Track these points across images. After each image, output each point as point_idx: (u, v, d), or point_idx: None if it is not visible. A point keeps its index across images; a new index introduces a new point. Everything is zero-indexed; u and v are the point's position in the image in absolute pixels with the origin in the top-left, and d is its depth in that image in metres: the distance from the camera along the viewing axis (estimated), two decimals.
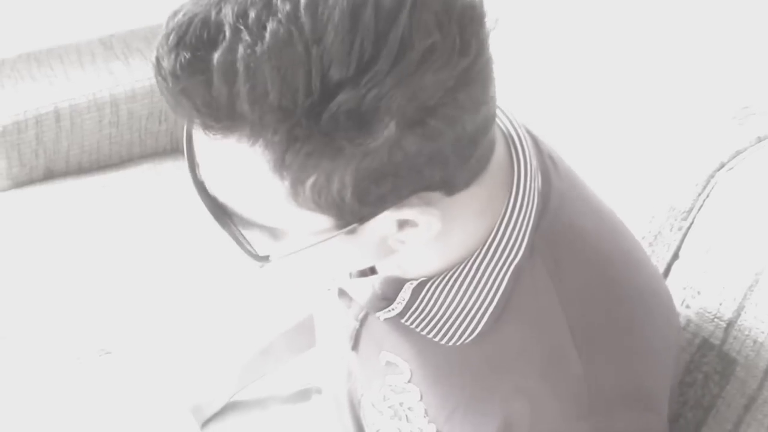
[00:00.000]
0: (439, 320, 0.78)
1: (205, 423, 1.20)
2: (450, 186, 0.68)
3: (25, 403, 1.26)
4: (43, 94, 1.74)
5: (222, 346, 1.30)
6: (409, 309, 0.79)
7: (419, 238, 0.69)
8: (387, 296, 0.81)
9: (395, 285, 0.80)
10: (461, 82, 0.61)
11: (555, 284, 0.75)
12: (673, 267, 1.01)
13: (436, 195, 0.67)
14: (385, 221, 0.67)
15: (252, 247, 0.69)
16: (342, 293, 0.90)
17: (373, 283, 0.82)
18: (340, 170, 0.61)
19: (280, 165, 0.61)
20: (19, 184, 1.76)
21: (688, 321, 0.97)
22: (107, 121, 1.76)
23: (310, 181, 0.62)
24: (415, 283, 0.78)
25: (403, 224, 0.68)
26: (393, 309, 0.81)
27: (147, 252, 1.55)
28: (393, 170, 0.62)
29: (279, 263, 0.69)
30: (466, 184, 0.69)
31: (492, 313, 0.76)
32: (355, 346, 0.91)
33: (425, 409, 0.83)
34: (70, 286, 1.50)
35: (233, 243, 0.69)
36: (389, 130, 0.59)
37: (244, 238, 0.68)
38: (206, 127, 0.61)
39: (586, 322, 0.76)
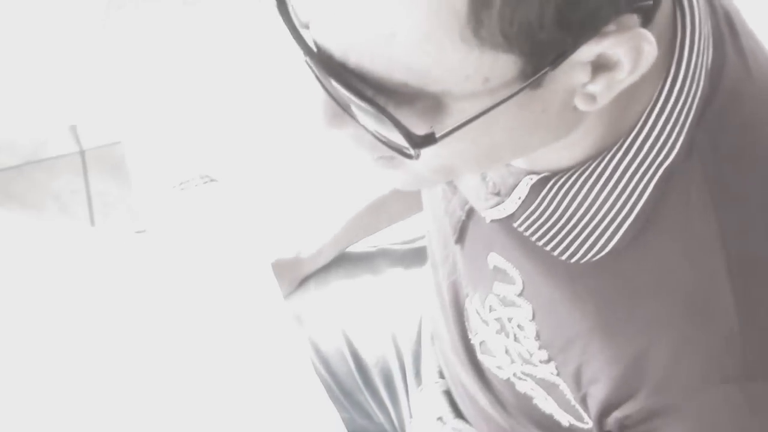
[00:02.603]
0: (562, 229, 0.63)
1: (307, 279, 1.09)
2: (645, 9, 0.50)
3: (125, 228, 1.21)
4: None
5: (329, 192, 1.18)
6: (525, 211, 0.64)
7: (616, 86, 0.52)
8: (498, 191, 0.66)
9: (510, 178, 0.64)
10: None
11: (715, 199, 0.59)
12: None
13: (634, 19, 0.50)
14: (577, 65, 0.50)
15: (407, 127, 0.50)
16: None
17: (483, 174, 0.67)
18: None
19: None
20: None
21: None
22: None
23: None
24: (536, 178, 0.63)
25: (598, 69, 0.51)
26: (504, 208, 0.66)
27: (256, 76, 1.41)
28: None
29: (434, 153, 0.51)
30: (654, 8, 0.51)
31: (631, 225, 0.60)
32: (460, 239, 0.76)
33: (537, 331, 0.69)
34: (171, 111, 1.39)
35: (364, 136, 0.52)
36: None
37: (394, 114, 0.50)
38: None
39: (749, 256, 0.59)
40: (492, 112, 0.50)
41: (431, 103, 0.50)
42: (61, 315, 0.92)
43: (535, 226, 0.64)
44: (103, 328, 0.91)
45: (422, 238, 1.22)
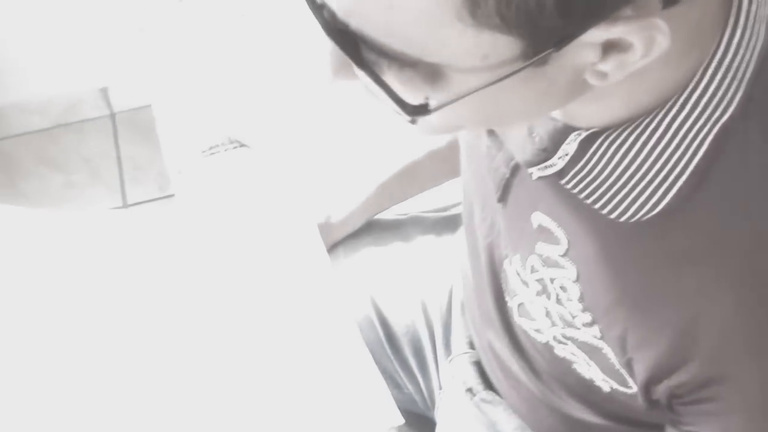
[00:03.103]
0: (611, 186, 0.61)
1: (336, 246, 1.07)
2: None
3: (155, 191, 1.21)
4: None
5: (359, 158, 1.15)
6: (573, 167, 0.62)
7: (628, 67, 0.51)
8: (545, 147, 0.63)
9: (558, 134, 0.62)
10: None
11: None
12: None
13: (654, 4, 0.48)
14: (586, 46, 0.49)
15: (400, 96, 0.51)
16: (492, 131, 0.72)
17: (529, 128, 0.64)
18: None
19: None
20: None
21: None
22: None
23: None
24: (585, 134, 0.60)
25: (608, 48, 0.50)
26: (552, 165, 0.64)
27: (287, 39, 1.38)
28: None
29: (438, 115, 0.52)
30: None
31: (684, 184, 0.58)
32: (502, 197, 0.73)
33: (581, 293, 0.67)
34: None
35: (373, 89, 0.52)
36: None
37: (387, 83, 0.51)
38: None
39: None
40: (492, 88, 0.50)
41: (432, 70, 0.50)
42: (97, 283, 0.91)
43: (584, 183, 0.62)
44: (135, 298, 0.90)
45: (454, 206, 1.20)
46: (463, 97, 0.51)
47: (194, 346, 0.87)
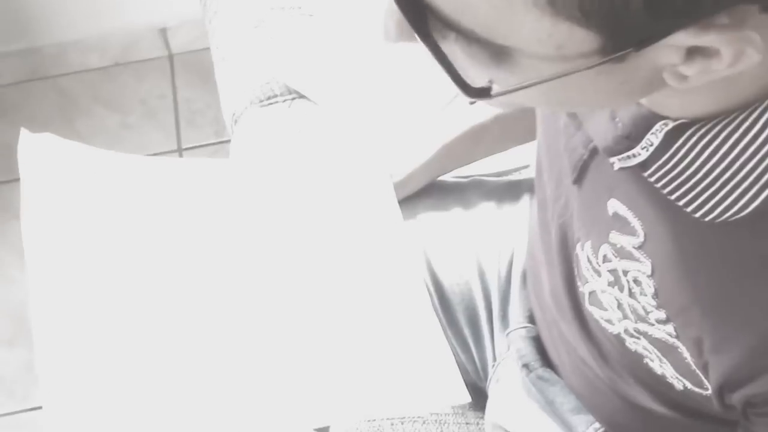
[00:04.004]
0: (698, 183, 0.57)
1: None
2: None
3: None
4: None
5: (424, 116, 1.11)
6: (658, 160, 0.58)
7: (711, 74, 0.48)
8: (629, 134, 0.59)
9: (643, 121, 0.58)
10: None
11: None
12: None
13: (752, 10, 0.44)
14: (670, 48, 0.46)
15: (462, 76, 0.49)
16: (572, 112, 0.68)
17: (612, 114, 0.60)
18: None
19: None
20: None
21: None
22: None
23: None
24: (672, 124, 0.57)
25: (693, 53, 0.46)
26: (635, 155, 0.60)
27: None
28: None
29: (500, 100, 0.50)
30: None
31: None
32: (578, 179, 0.69)
33: (656, 289, 0.63)
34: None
35: (436, 63, 0.49)
36: None
37: (450, 61, 0.48)
38: None
39: None
40: (563, 79, 0.47)
41: (500, 51, 0.48)
42: (151, 228, 0.87)
43: (669, 177, 0.58)
44: (189, 246, 0.87)
45: (516, 170, 1.15)
46: (530, 84, 0.48)
47: (256, 299, 0.83)
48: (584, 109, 0.60)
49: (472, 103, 0.51)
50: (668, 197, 0.59)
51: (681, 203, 0.58)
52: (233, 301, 0.83)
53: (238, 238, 0.88)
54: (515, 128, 0.98)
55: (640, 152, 0.59)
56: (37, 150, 0.87)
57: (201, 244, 0.87)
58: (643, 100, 0.58)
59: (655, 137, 0.58)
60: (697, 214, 0.57)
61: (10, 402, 1.65)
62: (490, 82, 0.49)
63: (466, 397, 0.78)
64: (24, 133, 0.85)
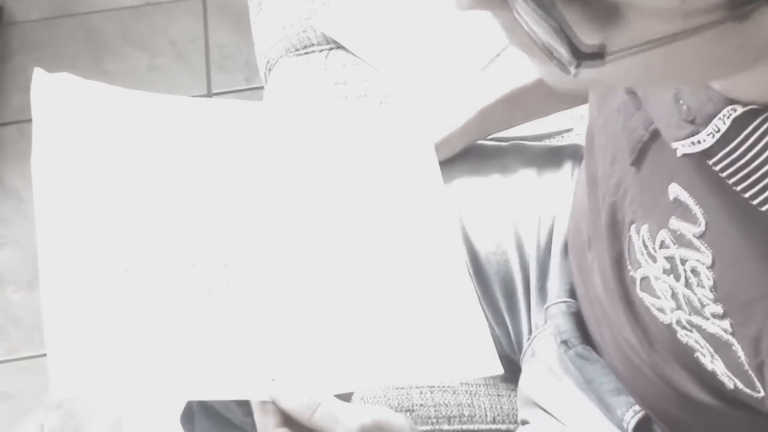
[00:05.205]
0: (766, 175, 0.53)
1: None
2: None
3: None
4: None
5: (464, 78, 1.06)
6: (724, 147, 0.54)
7: None
8: (693, 118, 0.56)
9: (710, 105, 0.54)
10: None
11: None
12: None
13: None
14: None
15: (572, 38, 0.43)
16: (631, 90, 0.64)
17: (677, 95, 0.56)
18: None
19: None
20: None
21: None
22: None
23: None
24: (741, 110, 0.53)
25: None
26: (699, 141, 0.56)
27: None
28: None
29: (610, 67, 0.44)
30: None
31: None
32: (637, 161, 0.66)
33: (714, 282, 0.60)
34: None
35: (531, 28, 0.44)
36: None
37: (557, 16, 0.43)
38: None
39: None
40: (677, 42, 0.42)
41: (609, 9, 0.42)
42: (180, 171, 0.83)
43: (736, 166, 0.54)
44: (218, 194, 0.82)
45: (558, 133, 1.11)
46: (646, 46, 0.43)
47: (284, 253, 0.80)
48: (688, 82, 0.55)
49: (575, 74, 0.45)
50: (734, 187, 0.55)
51: (747, 195, 0.54)
52: (261, 252, 0.79)
53: (271, 188, 0.83)
54: (557, 94, 0.93)
55: (705, 138, 0.55)
56: (52, 90, 0.82)
57: (231, 189, 0.82)
58: (714, 82, 0.54)
59: (722, 123, 0.54)
60: (764, 207, 0.54)
61: (27, 346, 1.64)
62: (602, 40, 0.44)
63: (499, 369, 0.75)
64: (38, 72, 0.81)
